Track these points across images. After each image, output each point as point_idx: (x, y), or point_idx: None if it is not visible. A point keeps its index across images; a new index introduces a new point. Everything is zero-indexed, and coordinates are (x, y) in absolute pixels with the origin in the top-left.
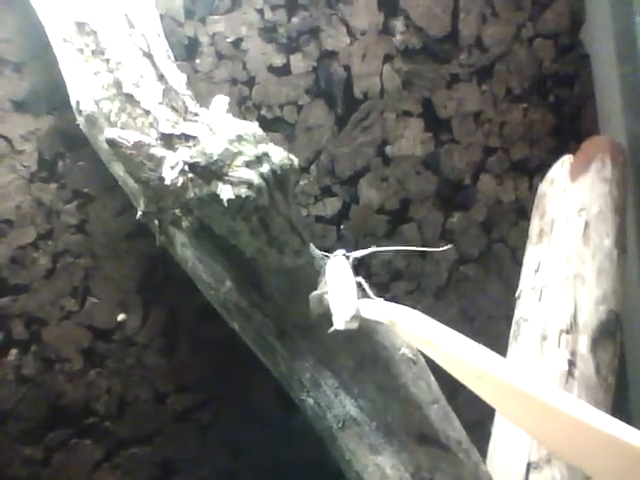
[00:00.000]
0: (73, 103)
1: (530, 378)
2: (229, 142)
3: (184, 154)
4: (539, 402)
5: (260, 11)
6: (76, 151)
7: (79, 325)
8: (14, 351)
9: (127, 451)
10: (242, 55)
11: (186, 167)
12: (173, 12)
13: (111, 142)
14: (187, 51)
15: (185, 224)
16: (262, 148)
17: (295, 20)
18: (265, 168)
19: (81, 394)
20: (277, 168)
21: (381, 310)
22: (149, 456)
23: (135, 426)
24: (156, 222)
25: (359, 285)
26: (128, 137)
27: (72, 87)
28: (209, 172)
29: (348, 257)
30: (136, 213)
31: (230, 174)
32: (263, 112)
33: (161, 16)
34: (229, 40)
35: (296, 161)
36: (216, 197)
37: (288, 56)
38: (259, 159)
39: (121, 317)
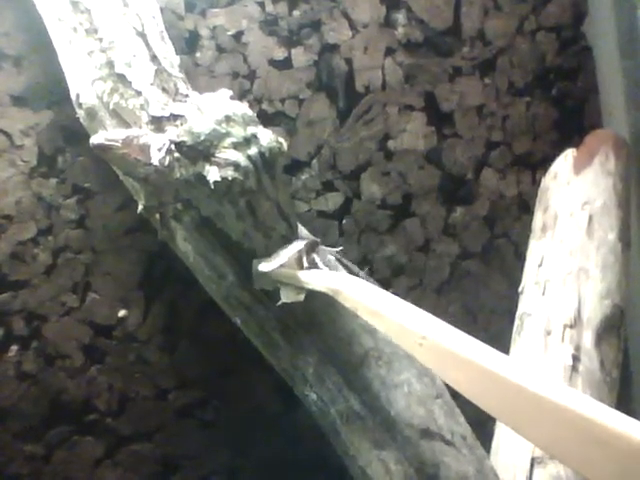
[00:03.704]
0: (73, 96)
1: (473, 343)
2: (217, 122)
3: (171, 133)
4: (479, 367)
5: (261, 4)
6: (76, 146)
7: (80, 321)
8: (14, 347)
9: (128, 448)
10: (243, 49)
11: (172, 146)
12: (173, 5)
13: (99, 147)
14: (187, 45)
15: (186, 218)
16: (251, 129)
17: (296, 13)
18: (253, 150)
19: (82, 391)
20: (265, 150)
21: (325, 280)
22: (150, 453)
23: (136, 423)
24: (157, 216)
25: (312, 261)
26: (115, 136)
27: (69, 73)
28: (196, 152)
29: (315, 247)
30: (137, 208)
31: (217, 155)
32: (264, 106)
33: (161, 9)
34: (230, 33)
35: (285, 144)
36: (202, 178)
37: (289, 49)
38: (247, 141)
39: (122, 313)
